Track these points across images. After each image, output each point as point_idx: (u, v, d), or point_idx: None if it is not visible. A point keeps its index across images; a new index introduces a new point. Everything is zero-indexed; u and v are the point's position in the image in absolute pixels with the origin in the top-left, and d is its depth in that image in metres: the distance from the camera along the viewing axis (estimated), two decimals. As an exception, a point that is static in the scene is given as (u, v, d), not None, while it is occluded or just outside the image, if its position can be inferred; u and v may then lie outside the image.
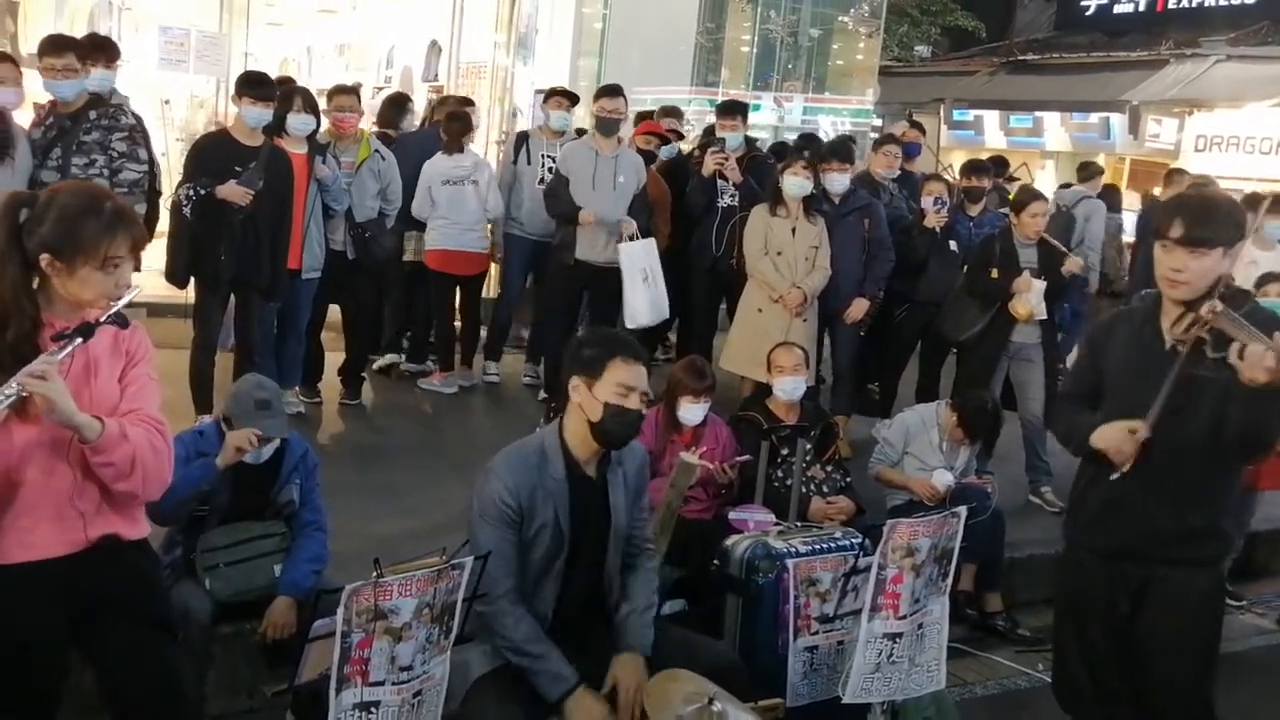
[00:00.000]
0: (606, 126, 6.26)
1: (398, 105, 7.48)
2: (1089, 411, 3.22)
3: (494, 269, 7.30)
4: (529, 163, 6.86)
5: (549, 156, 6.85)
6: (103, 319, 2.43)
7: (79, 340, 2.38)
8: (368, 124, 6.96)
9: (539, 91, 9.11)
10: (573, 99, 7.13)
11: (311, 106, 5.75)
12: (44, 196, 2.45)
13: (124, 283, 2.47)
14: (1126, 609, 3.17)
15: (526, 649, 2.98)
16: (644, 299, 6.10)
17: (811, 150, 7.09)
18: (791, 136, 10.33)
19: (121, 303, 2.46)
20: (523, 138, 7.02)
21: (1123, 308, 3.45)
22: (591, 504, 3.18)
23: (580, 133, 7.06)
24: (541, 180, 6.77)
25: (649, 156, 6.84)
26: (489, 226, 6.86)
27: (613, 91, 6.33)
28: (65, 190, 2.51)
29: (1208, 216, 2.97)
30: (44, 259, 2.41)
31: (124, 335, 2.55)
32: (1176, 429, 2.98)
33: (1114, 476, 3.04)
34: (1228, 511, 3.20)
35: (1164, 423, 2.97)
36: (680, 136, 7.97)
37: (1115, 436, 3.03)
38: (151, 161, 5.65)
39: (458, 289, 6.83)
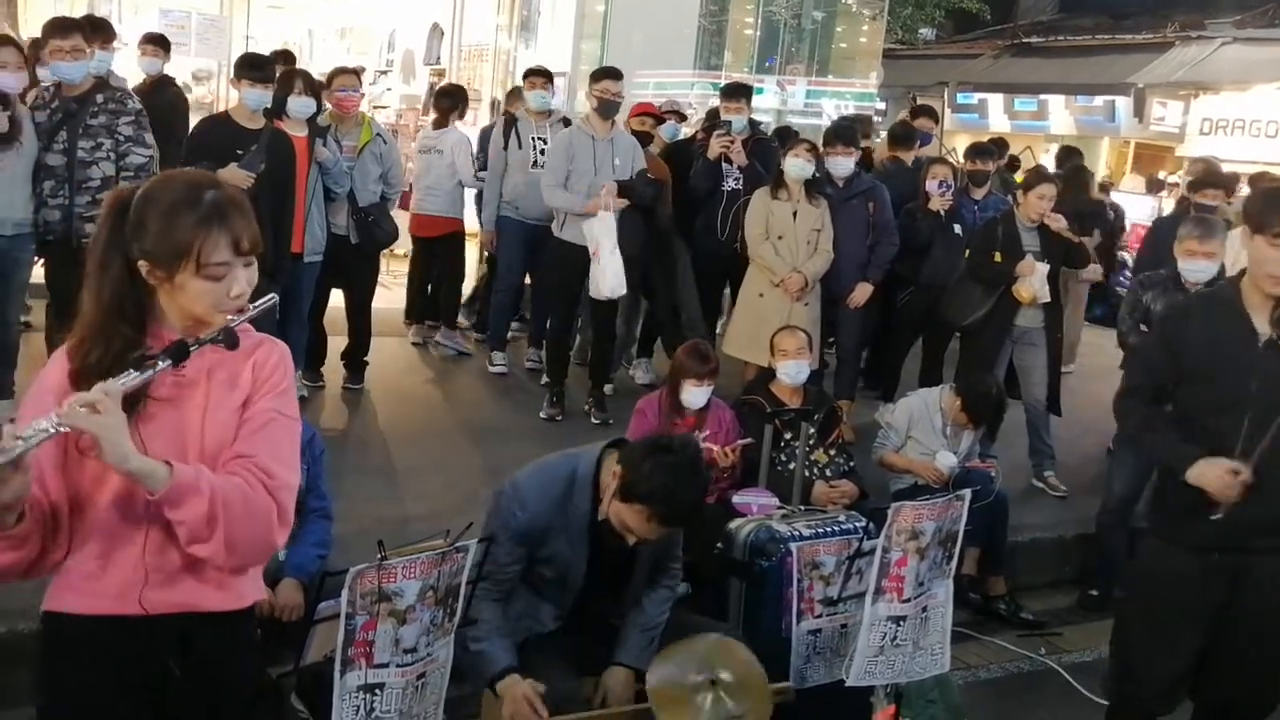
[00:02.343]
0: (607, 108, 6.23)
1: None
2: (1162, 409, 3.15)
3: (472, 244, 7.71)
4: (519, 146, 6.84)
5: (539, 139, 6.83)
6: (204, 338, 1.99)
7: (167, 364, 1.93)
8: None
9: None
10: (549, 77, 7.12)
11: (312, 88, 5.74)
12: (143, 190, 2.03)
13: (238, 291, 2.02)
14: (1221, 598, 3.13)
15: (475, 632, 2.97)
16: (614, 269, 6.04)
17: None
18: (795, 120, 10.31)
19: (244, 318, 2.04)
20: (510, 122, 6.99)
21: (1194, 295, 3.37)
22: (615, 547, 3.09)
23: (566, 121, 7.06)
24: (534, 163, 6.76)
25: (645, 138, 6.80)
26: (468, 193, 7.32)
27: (614, 74, 6.30)
28: (163, 181, 2.07)
29: None
30: (143, 266, 1.99)
31: (260, 357, 2.12)
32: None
33: (1214, 517, 2.95)
34: None
35: (1269, 416, 2.88)
36: (683, 118, 7.94)
37: (1218, 480, 2.94)
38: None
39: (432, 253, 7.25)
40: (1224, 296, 3.13)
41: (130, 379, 1.89)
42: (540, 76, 7.04)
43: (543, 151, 6.76)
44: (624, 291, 6.09)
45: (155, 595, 2.04)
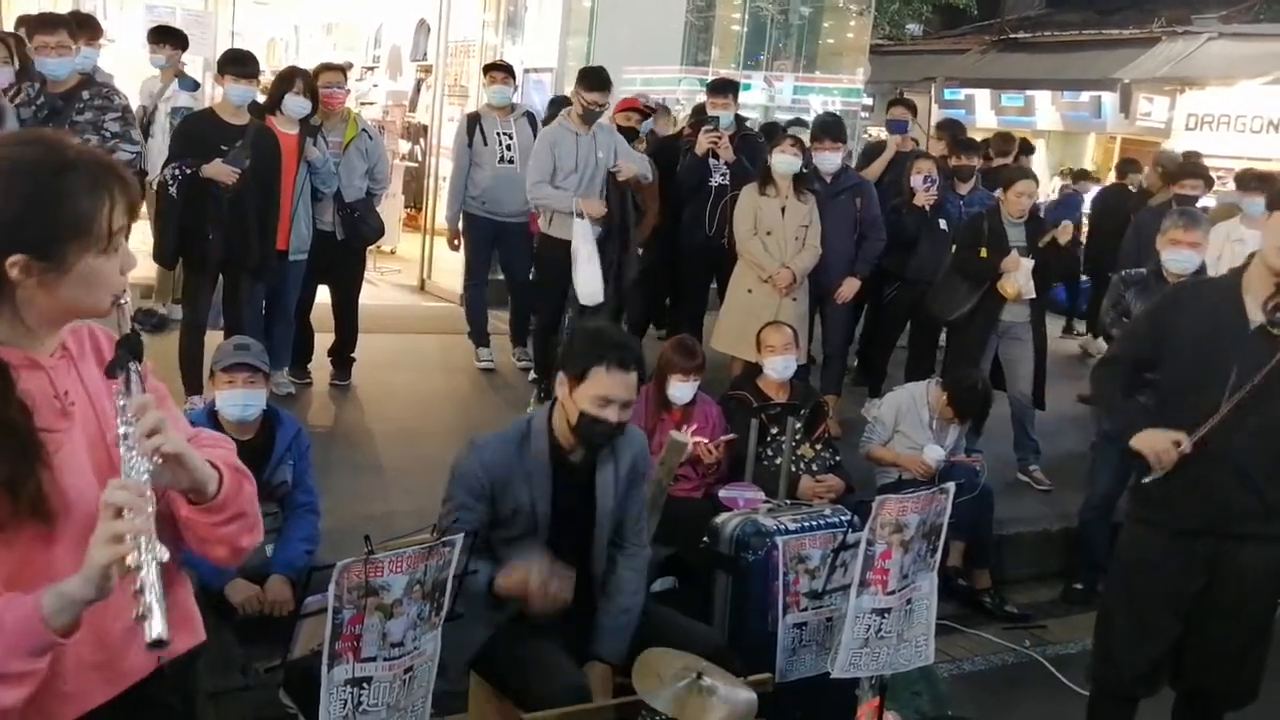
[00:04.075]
0: (589, 116, 6.22)
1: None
2: (1135, 381, 3.26)
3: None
4: (485, 143, 6.83)
5: (504, 134, 6.84)
6: (130, 327, 1.69)
7: (136, 364, 1.64)
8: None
9: (528, 71, 9.09)
10: (510, 72, 7.11)
11: (311, 92, 5.73)
12: None
13: (129, 264, 1.69)
14: (1198, 585, 3.20)
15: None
16: (586, 276, 6.03)
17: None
18: (782, 116, 10.30)
19: (128, 296, 1.72)
20: (474, 119, 6.97)
21: (1188, 282, 3.46)
22: (574, 490, 3.16)
23: (529, 115, 7.07)
24: (501, 159, 6.77)
25: (630, 133, 6.80)
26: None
27: (601, 86, 6.22)
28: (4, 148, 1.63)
29: None
30: (14, 263, 1.56)
31: (103, 342, 1.77)
32: (1261, 409, 2.98)
33: (1146, 480, 3.05)
34: None
35: (1249, 401, 2.96)
36: (648, 112, 7.90)
37: (1159, 444, 3.05)
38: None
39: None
40: (1223, 283, 3.20)
41: (137, 389, 1.62)
42: (501, 71, 7.04)
43: (509, 146, 6.78)
44: (600, 299, 6.06)
45: (115, 675, 1.73)
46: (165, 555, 1.50)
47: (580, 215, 6.02)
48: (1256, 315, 3.05)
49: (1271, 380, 2.97)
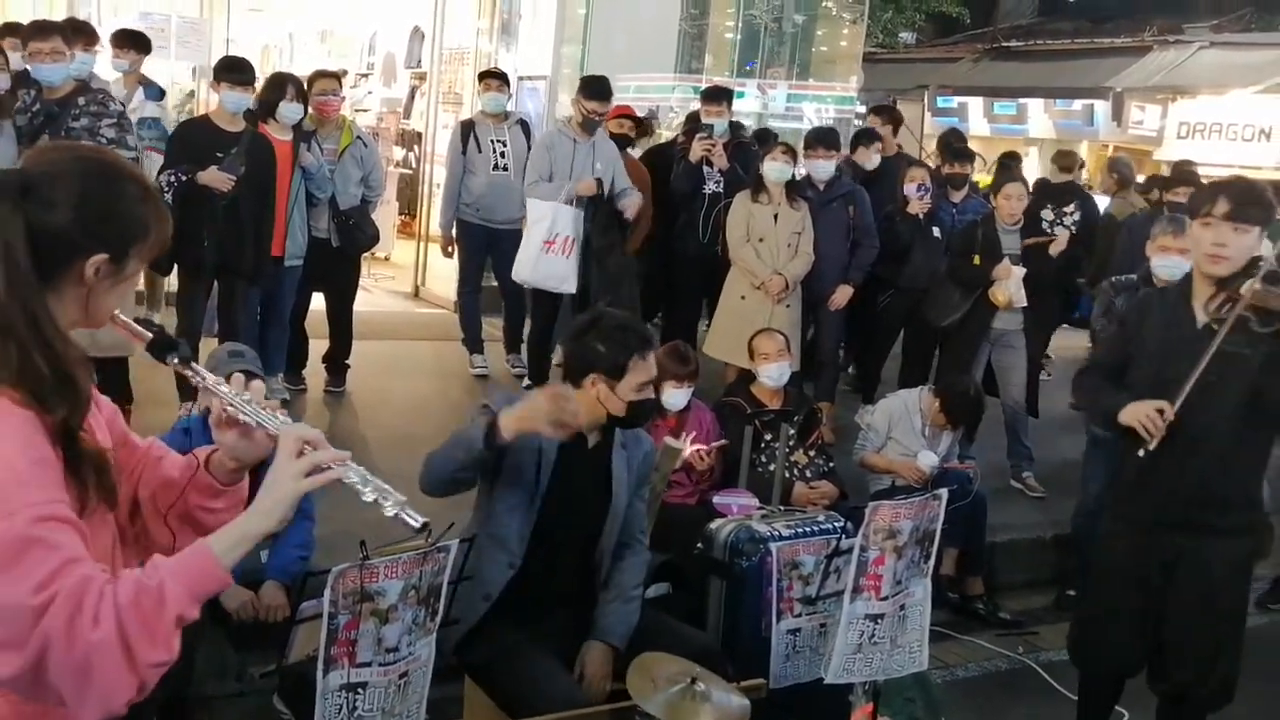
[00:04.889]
0: (589, 125, 6.25)
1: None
2: (1115, 384, 3.44)
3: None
4: (479, 150, 6.85)
5: (498, 141, 6.86)
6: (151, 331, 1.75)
7: (185, 348, 1.77)
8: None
9: (522, 79, 9.11)
10: (504, 79, 7.13)
11: (303, 96, 5.74)
12: (33, 165, 1.61)
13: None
14: (1158, 578, 3.37)
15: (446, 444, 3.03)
16: (529, 257, 6.16)
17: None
18: (775, 124, 10.33)
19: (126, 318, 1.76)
20: (468, 126, 7.00)
21: (1154, 289, 3.61)
22: (586, 471, 3.20)
23: (523, 123, 7.10)
24: (496, 166, 6.79)
25: (623, 141, 6.82)
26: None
27: (602, 95, 6.25)
28: (56, 153, 1.67)
29: (1250, 196, 3.18)
30: (95, 264, 1.58)
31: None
32: (1208, 403, 3.17)
33: (1140, 453, 3.21)
34: (1259, 480, 3.41)
35: (1195, 396, 3.15)
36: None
37: (1144, 411, 3.20)
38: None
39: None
40: (1176, 290, 3.42)
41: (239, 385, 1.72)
42: (495, 79, 7.06)
43: (503, 154, 6.80)
44: (571, 290, 6.16)
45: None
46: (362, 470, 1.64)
47: (570, 203, 6.07)
48: (1202, 316, 3.24)
49: (1216, 376, 3.14)
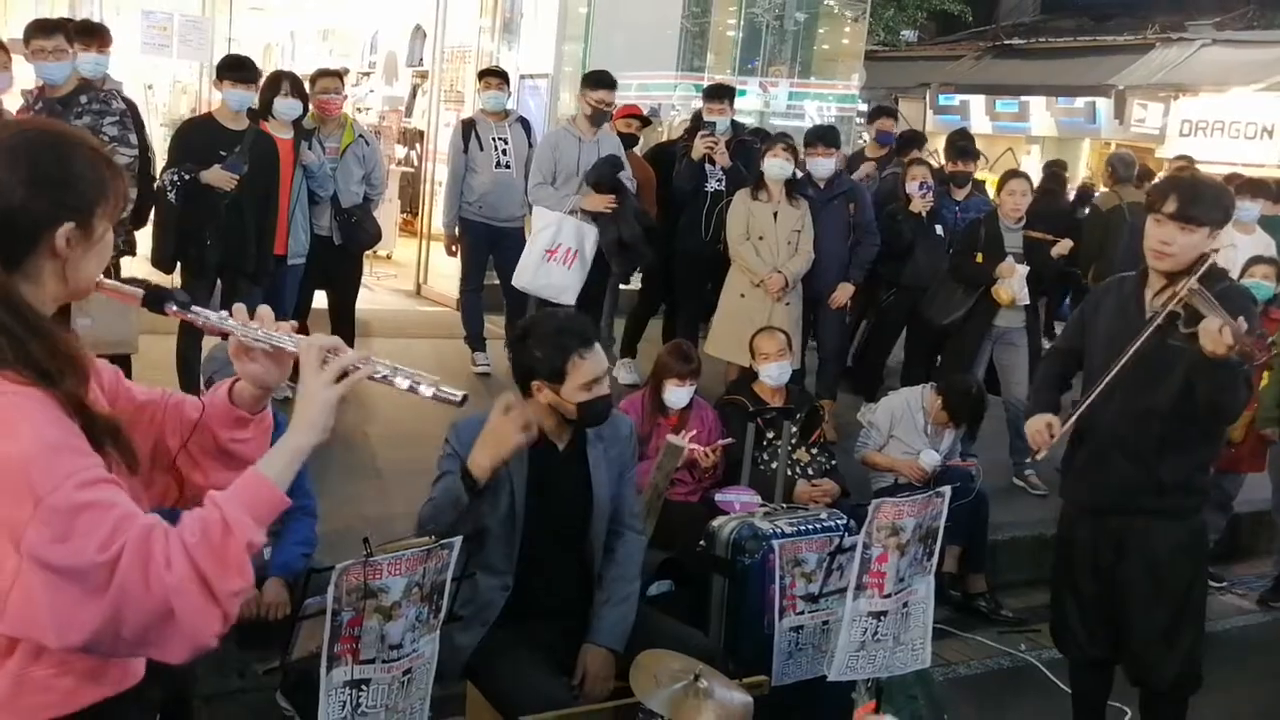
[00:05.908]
0: (599, 117, 6.25)
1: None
2: (1069, 370, 3.61)
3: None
4: (481, 149, 6.84)
5: (499, 139, 6.86)
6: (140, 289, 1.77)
7: (181, 297, 1.80)
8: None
9: (524, 77, 9.11)
10: (504, 78, 7.13)
11: (299, 91, 5.74)
12: (22, 138, 1.59)
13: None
14: (1109, 560, 3.44)
15: (433, 496, 2.99)
16: (532, 263, 6.14)
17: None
18: (777, 122, 10.33)
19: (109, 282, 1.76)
20: (469, 125, 6.99)
21: (1114, 279, 3.62)
22: (563, 476, 3.18)
23: (523, 120, 7.10)
24: (497, 164, 6.79)
25: (630, 139, 6.82)
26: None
27: (608, 84, 6.25)
28: (32, 125, 1.70)
29: (1198, 197, 3.21)
30: (64, 234, 1.57)
31: None
32: (1145, 393, 3.26)
33: (1029, 460, 3.42)
34: (1200, 466, 3.46)
35: (1133, 386, 3.23)
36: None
37: (1035, 427, 3.40)
38: (145, 147, 5.61)
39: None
40: (1133, 280, 3.46)
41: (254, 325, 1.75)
42: (496, 77, 7.06)
43: (504, 152, 6.80)
44: (571, 300, 6.07)
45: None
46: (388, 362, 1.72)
47: (575, 214, 6.06)
48: (1151, 308, 3.30)
49: (1149, 365, 3.21)
